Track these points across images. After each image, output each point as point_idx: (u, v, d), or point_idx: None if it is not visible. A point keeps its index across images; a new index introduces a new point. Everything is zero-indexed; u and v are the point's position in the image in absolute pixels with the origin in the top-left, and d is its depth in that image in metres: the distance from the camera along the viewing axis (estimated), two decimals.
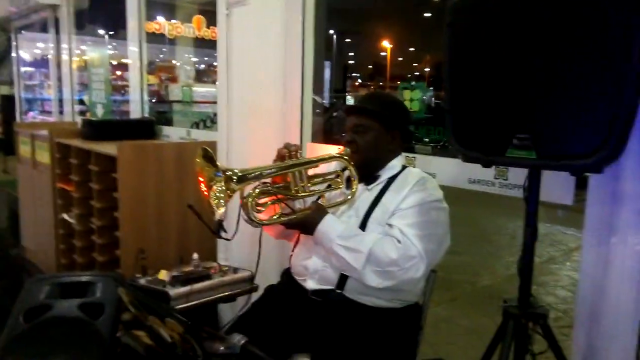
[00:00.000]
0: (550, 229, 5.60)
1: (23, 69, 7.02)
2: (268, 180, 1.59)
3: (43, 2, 4.62)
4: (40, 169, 3.66)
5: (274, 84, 2.49)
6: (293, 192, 1.59)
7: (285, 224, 1.63)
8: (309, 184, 1.63)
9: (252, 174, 1.48)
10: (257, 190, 1.53)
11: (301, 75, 2.55)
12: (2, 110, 8.25)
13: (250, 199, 1.51)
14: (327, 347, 1.57)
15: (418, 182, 1.65)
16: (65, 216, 3.34)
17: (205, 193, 1.46)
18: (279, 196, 1.59)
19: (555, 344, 1.37)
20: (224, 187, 1.40)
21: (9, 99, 7.36)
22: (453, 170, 1.90)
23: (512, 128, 1.22)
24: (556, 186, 1.54)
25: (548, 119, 1.18)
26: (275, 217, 1.59)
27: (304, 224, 1.61)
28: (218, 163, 1.43)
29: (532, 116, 1.19)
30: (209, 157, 1.44)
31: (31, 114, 7.61)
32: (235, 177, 1.44)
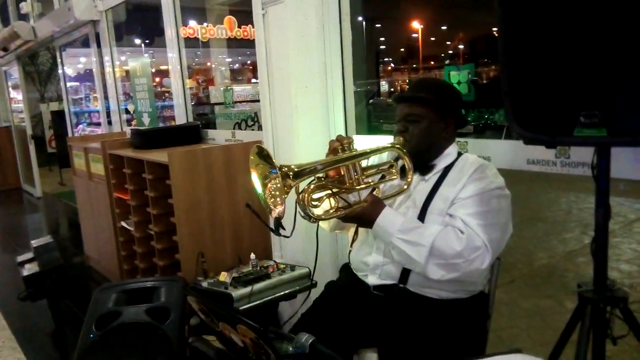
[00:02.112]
0: None
1: (69, 84, 7.29)
2: (322, 174, 1.58)
3: (83, 18, 4.75)
4: (95, 180, 3.80)
5: (315, 79, 2.48)
6: (348, 185, 1.57)
7: (343, 218, 1.61)
8: (363, 176, 1.60)
9: (308, 169, 1.47)
10: (312, 186, 1.52)
11: (341, 67, 2.53)
12: (53, 126, 8.64)
13: (305, 195, 1.50)
14: (395, 341, 1.56)
15: (477, 170, 1.60)
16: (124, 224, 3.46)
17: (261, 191, 1.45)
18: (334, 190, 1.57)
19: (637, 327, 1.30)
20: (280, 184, 1.40)
21: (60, 114, 7.67)
22: (509, 152, 1.83)
23: (578, 105, 1.15)
24: (626, 161, 1.46)
25: (617, 93, 1.11)
26: (332, 211, 1.58)
27: (362, 217, 1.58)
28: (274, 160, 1.43)
29: (600, 91, 1.13)
30: (265, 155, 1.43)
31: (80, 126, 7.92)
32: (291, 173, 1.43)
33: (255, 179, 1.46)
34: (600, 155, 1.25)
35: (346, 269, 1.82)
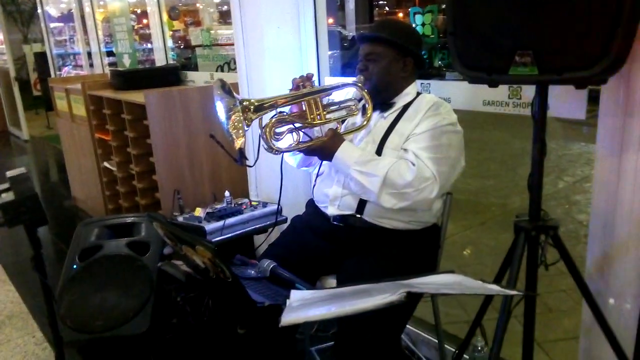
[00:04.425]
0: (585, 147, 5.48)
1: (52, 24, 7.12)
2: (286, 110, 1.66)
3: None
4: (78, 121, 3.84)
5: (287, 20, 2.49)
6: (309, 120, 1.66)
7: (303, 151, 1.71)
8: (325, 112, 1.69)
9: (268, 103, 1.55)
10: (274, 120, 1.61)
11: (313, 7, 2.53)
12: (37, 68, 8.50)
13: (267, 128, 1.59)
14: (351, 268, 1.69)
15: (431, 107, 1.68)
16: (107, 164, 3.54)
17: (224, 123, 1.52)
18: (296, 124, 1.66)
19: (566, 254, 1.43)
20: (241, 117, 1.48)
21: (43, 56, 7.53)
22: (467, 93, 1.90)
23: (513, 45, 1.21)
24: (568, 101, 1.54)
25: (548, 33, 1.16)
26: (294, 144, 1.67)
27: (322, 150, 1.68)
28: (234, 93, 1.50)
29: (533, 31, 1.18)
30: (227, 90, 1.51)
31: (66, 69, 7.79)
32: (252, 107, 1.51)
33: (220, 110, 1.53)
34: (537, 93, 1.33)
35: (311, 204, 1.93)
